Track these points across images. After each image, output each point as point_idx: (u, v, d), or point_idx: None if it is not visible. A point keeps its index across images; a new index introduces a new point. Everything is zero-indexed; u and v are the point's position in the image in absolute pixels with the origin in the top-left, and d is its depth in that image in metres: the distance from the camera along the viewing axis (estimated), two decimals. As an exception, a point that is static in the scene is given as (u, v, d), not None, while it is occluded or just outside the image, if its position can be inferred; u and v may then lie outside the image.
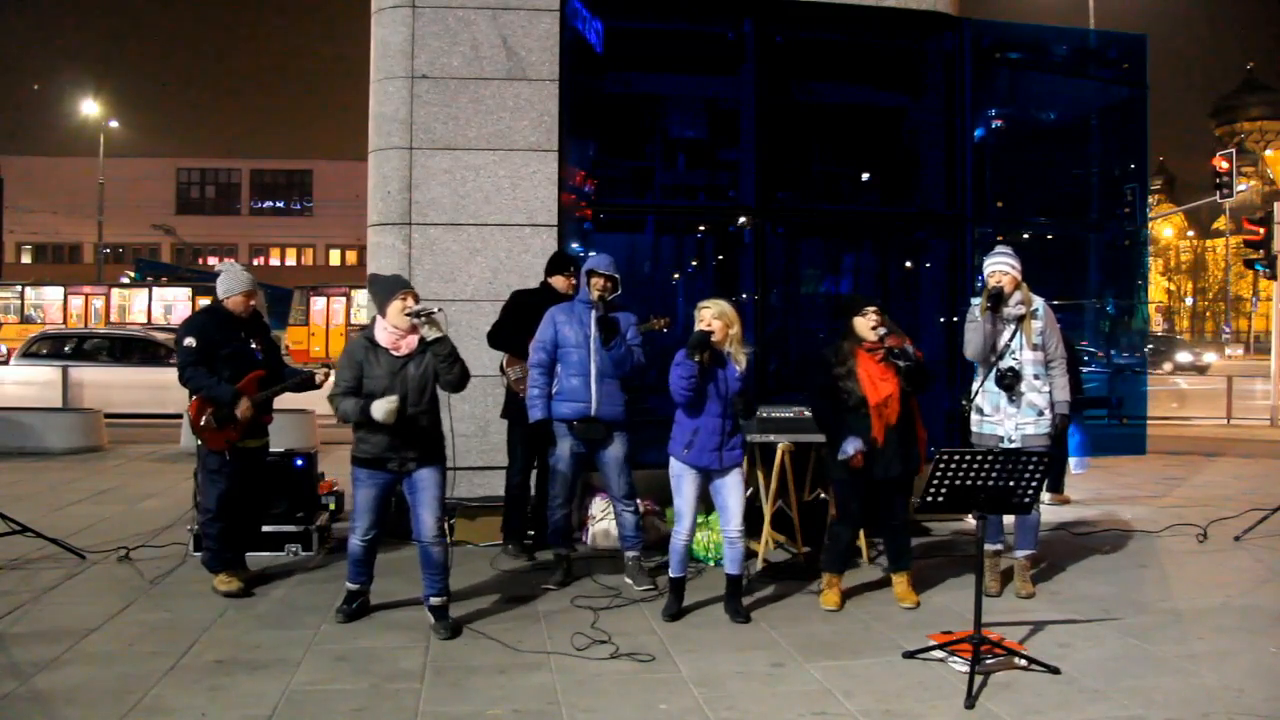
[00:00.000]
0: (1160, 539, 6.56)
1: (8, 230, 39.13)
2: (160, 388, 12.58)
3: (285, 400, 5.32)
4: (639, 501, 5.46)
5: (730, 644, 4.42)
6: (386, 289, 4.51)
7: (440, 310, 4.48)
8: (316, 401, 7.38)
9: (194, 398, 5.02)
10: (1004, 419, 5.07)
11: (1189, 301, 69.39)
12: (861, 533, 5.77)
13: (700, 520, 5.69)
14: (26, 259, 48.63)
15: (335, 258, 50.75)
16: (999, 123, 8.25)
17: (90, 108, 39.70)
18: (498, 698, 3.78)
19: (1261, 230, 15.83)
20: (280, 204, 51.44)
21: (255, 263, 46.12)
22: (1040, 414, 5.06)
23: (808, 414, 5.73)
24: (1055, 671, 4.00)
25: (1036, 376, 5.06)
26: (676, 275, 8.19)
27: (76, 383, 13.75)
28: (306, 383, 5.35)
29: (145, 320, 27.82)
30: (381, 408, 4.33)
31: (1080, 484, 8.53)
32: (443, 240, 6.39)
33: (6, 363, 23.93)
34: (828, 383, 4.91)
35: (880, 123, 7.95)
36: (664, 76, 7.45)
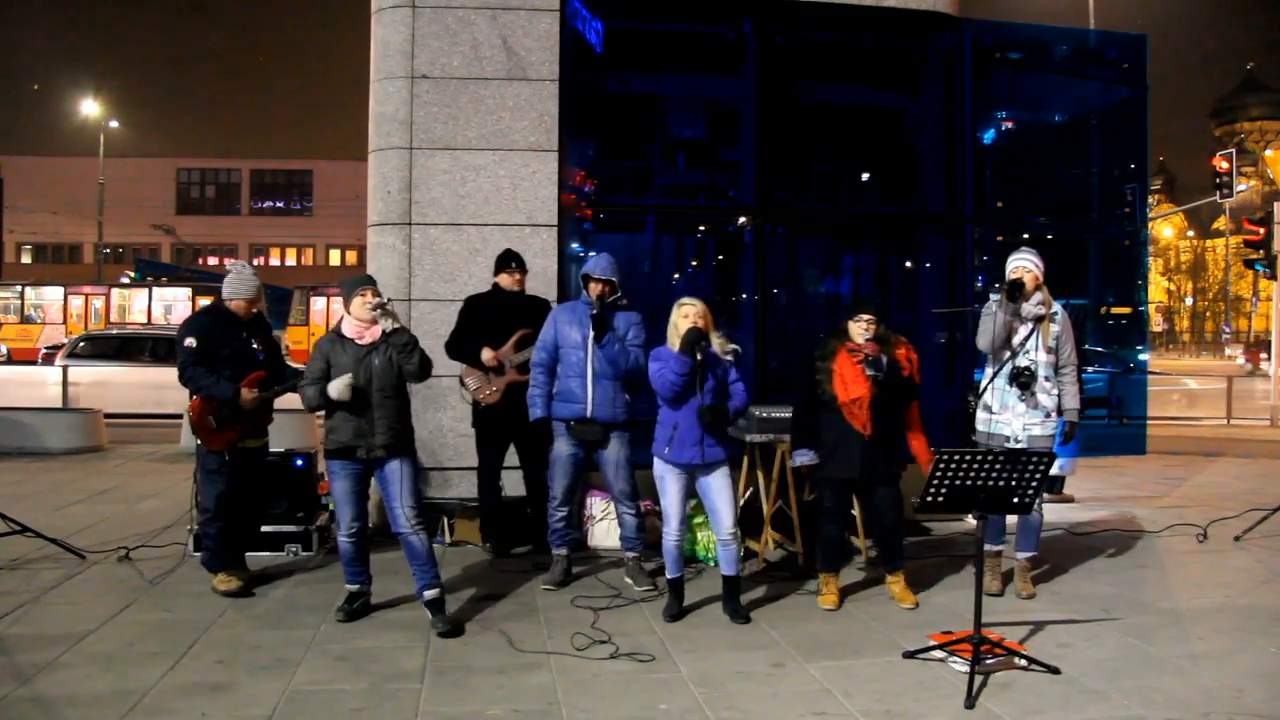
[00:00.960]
0: (1160, 539, 6.56)
1: (8, 230, 39.07)
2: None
3: (285, 400, 5.33)
4: (640, 502, 5.46)
5: (730, 644, 4.42)
6: (349, 286, 4.72)
7: (390, 300, 4.71)
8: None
9: (194, 398, 5.03)
10: (1012, 418, 5.07)
11: (1189, 302, 69.38)
12: (860, 533, 5.79)
13: (700, 520, 5.70)
14: (26, 259, 48.61)
15: (335, 258, 50.73)
16: (999, 123, 8.25)
17: (90, 108, 39.76)
18: (498, 698, 3.78)
19: (1261, 230, 15.83)
20: (280, 204, 51.42)
21: (255, 263, 46.02)
22: (1048, 415, 5.06)
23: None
24: (1055, 671, 4.00)
25: (1047, 379, 5.07)
26: (676, 275, 8.19)
27: (122, 383, 13.78)
28: None
29: (145, 320, 27.79)
30: (336, 385, 4.53)
31: (1080, 484, 8.53)
32: (443, 240, 6.39)
33: (7, 362, 24.01)
34: (809, 377, 4.99)
35: (880, 123, 7.95)
36: (664, 76, 7.45)
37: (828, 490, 5.04)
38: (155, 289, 29.99)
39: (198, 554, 5.47)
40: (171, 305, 28.77)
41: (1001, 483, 4.00)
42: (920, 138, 7.70)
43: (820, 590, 5.04)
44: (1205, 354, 55.31)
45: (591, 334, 5.16)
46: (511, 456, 5.94)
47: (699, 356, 4.54)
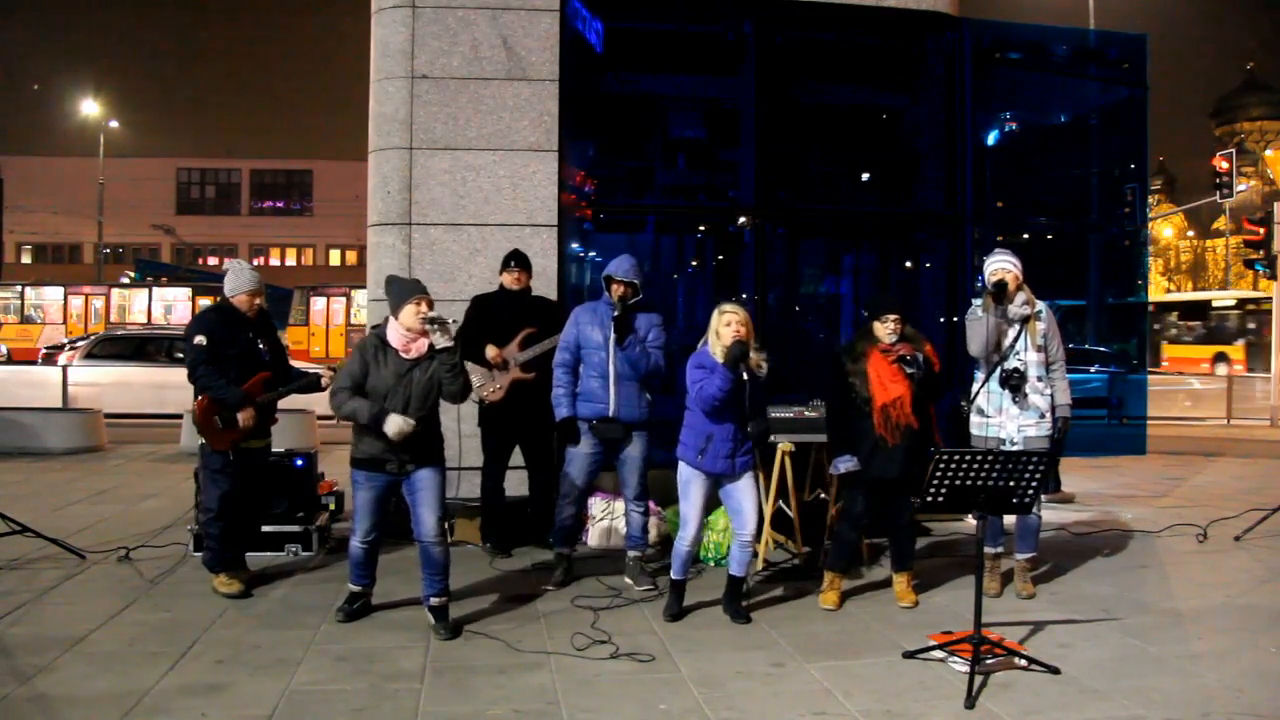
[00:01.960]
0: (1160, 539, 6.56)
1: (8, 230, 38.99)
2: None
3: (285, 400, 5.33)
4: (647, 502, 5.46)
5: (730, 644, 4.42)
6: (404, 292, 4.54)
7: (455, 321, 4.56)
8: (317, 402, 7.39)
9: (200, 397, 5.03)
10: (1006, 420, 5.06)
11: (1189, 302, 69.26)
12: (862, 533, 5.78)
13: (703, 521, 5.69)
14: (26, 259, 48.59)
15: (335, 258, 50.73)
16: (999, 123, 8.25)
17: (90, 108, 39.76)
18: (498, 698, 3.78)
19: (1261, 230, 15.85)
20: (280, 204, 51.42)
21: (255, 263, 45.98)
22: (1042, 416, 5.06)
23: (808, 414, 5.74)
24: (1055, 671, 4.00)
25: (1039, 378, 5.06)
26: (676, 275, 8.19)
27: (142, 384, 13.79)
28: (312, 385, 5.37)
29: (145, 321, 27.79)
30: (395, 425, 4.38)
31: (1080, 484, 8.53)
32: (443, 240, 6.39)
33: (8, 362, 23.97)
34: (839, 381, 4.93)
35: (880, 123, 7.96)
36: (664, 76, 7.45)
37: (861, 492, 4.97)
38: (155, 289, 29.99)
39: (198, 554, 5.47)
40: (171, 305, 28.78)
41: (1001, 483, 4.00)
42: (920, 138, 7.70)
43: (823, 589, 5.03)
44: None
45: (613, 336, 5.16)
46: (515, 456, 5.93)
47: (745, 374, 4.51)
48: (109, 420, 11.29)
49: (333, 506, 6.42)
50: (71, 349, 18.50)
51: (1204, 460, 10.63)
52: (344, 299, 27.48)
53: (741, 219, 7.39)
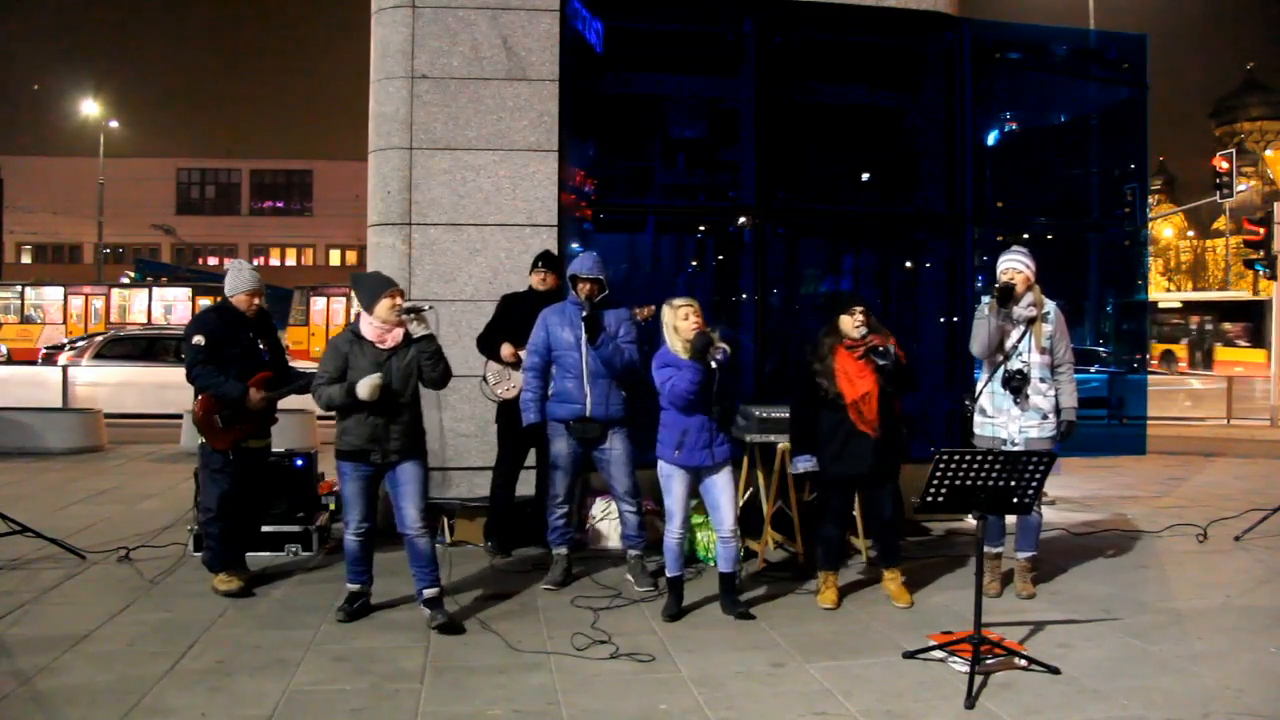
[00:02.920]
0: (1160, 539, 6.56)
1: (8, 230, 39.18)
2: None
3: (285, 400, 5.33)
4: (641, 500, 5.46)
5: (730, 644, 4.42)
6: (375, 287, 4.62)
7: (431, 308, 4.65)
8: (316, 402, 7.37)
9: (200, 396, 5.03)
10: (1008, 421, 5.05)
11: (1189, 302, 69.28)
12: (860, 532, 5.79)
13: (701, 521, 5.70)
14: (26, 259, 48.59)
15: (335, 258, 50.72)
16: (999, 123, 8.25)
17: (90, 108, 39.72)
18: (498, 698, 3.78)
19: (1261, 230, 15.84)
20: (280, 204, 51.41)
21: (255, 263, 45.94)
22: (1044, 417, 5.04)
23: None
24: (1055, 671, 4.00)
25: (1042, 380, 5.04)
26: (677, 275, 8.19)
27: (152, 384, 13.77)
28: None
29: (145, 321, 27.79)
30: (366, 384, 4.44)
31: (1080, 484, 8.54)
32: (443, 240, 6.39)
33: (8, 362, 23.95)
34: (804, 381, 4.95)
35: (880, 123, 7.95)
36: (664, 77, 7.45)
37: (834, 489, 5.03)
38: (155, 289, 29.99)
39: (198, 554, 5.47)
40: (171, 305, 28.79)
41: (1001, 483, 4.00)
42: (920, 138, 7.70)
43: (820, 589, 5.04)
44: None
45: (584, 335, 5.16)
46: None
47: (713, 364, 4.52)
48: (120, 420, 11.28)
49: (332, 506, 6.40)
50: (71, 349, 18.50)
51: (1204, 460, 10.63)
52: (344, 299, 27.46)
53: (741, 219, 7.39)
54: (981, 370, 5.20)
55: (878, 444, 4.83)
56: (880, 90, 7.81)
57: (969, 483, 3.97)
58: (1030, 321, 5.02)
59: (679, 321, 4.62)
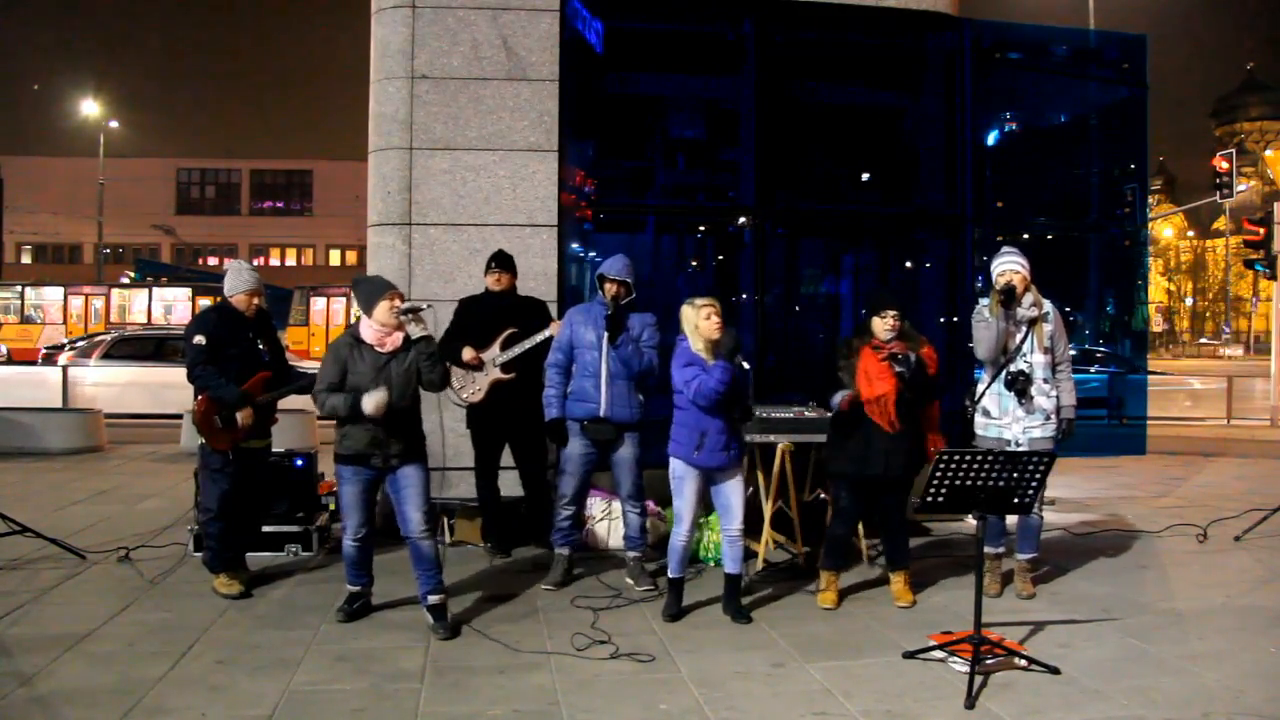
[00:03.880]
0: (1160, 539, 6.56)
1: (8, 230, 39.07)
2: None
3: (285, 401, 5.33)
4: (645, 502, 5.46)
5: (730, 644, 4.42)
6: (374, 290, 4.60)
7: (429, 307, 4.62)
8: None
9: (200, 396, 5.03)
10: (1011, 422, 5.05)
11: (1189, 302, 69.37)
12: (861, 533, 5.79)
13: (700, 521, 5.69)
14: (26, 259, 48.59)
15: (335, 258, 50.74)
16: (999, 123, 8.25)
17: (90, 108, 39.76)
18: (498, 698, 3.78)
19: (1261, 230, 15.83)
20: (280, 204, 51.43)
21: (255, 263, 45.92)
22: (1048, 418, 5.04)
23: (807, 414, 5.74)
24: (1055, 671, 4.00)
25: (1045, 380, 5.05)
26: (677, 275, 8.18)
27: (160, 384, 13.77)
28: (311, 385, 5.36)
29: (145, 321, 27.78)
30: (371, 400, 4.41)
31: (1080, 484, 8.53)
32: (443, 240, 6.39)
33: (8, 362, 23.94)
34: (834, 374, 4.99)
35: (880, 123, 7.95)
36: (664, 77, 7.45)
37: (845, 488, 5.02)
38: (155, 289, 30.00)
39: (198, 554, 5.47)
40: (171, 305, 28.79)
41: (1002, 483, 4.00)
42: (920, 138, 7.70)
43: (820, 588, 5.04)
44: (1190, 354, 55.01)
45: (606, 335, 5.16)
46: (506, 457, 5.93)
47: (745, 365, 4.52)
48: (128, 421, 11.27)
49: (332, 506, 6.40)
50: (71, 349, 18.48)
51: (1204, 460, 10.63)
52: (344, 299, 27.45)
53: (741, 219, 7.38)
54: (983, 372, 5.19)
55: (896, 447, 4.83)
56: (880, 90, 7.81)
57: (969, 483, 3.97)
58: (1032, 322, 5.02)
59: (701, 320, 4.59)
